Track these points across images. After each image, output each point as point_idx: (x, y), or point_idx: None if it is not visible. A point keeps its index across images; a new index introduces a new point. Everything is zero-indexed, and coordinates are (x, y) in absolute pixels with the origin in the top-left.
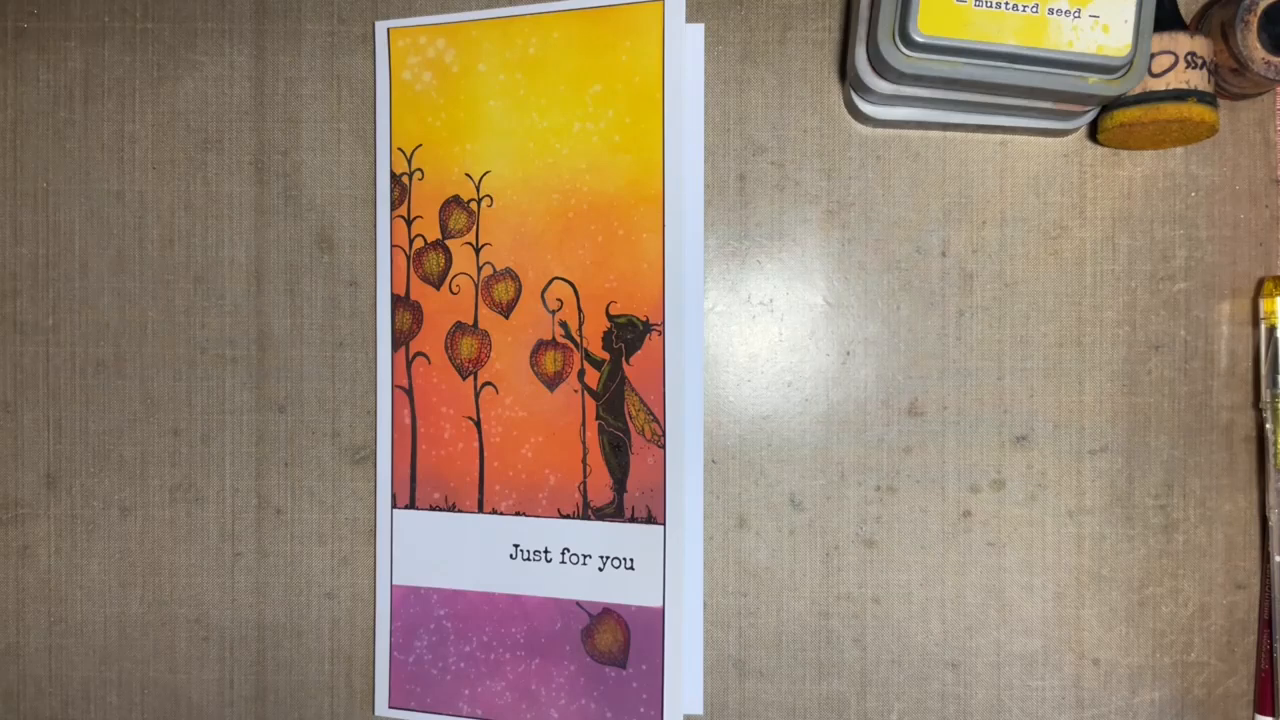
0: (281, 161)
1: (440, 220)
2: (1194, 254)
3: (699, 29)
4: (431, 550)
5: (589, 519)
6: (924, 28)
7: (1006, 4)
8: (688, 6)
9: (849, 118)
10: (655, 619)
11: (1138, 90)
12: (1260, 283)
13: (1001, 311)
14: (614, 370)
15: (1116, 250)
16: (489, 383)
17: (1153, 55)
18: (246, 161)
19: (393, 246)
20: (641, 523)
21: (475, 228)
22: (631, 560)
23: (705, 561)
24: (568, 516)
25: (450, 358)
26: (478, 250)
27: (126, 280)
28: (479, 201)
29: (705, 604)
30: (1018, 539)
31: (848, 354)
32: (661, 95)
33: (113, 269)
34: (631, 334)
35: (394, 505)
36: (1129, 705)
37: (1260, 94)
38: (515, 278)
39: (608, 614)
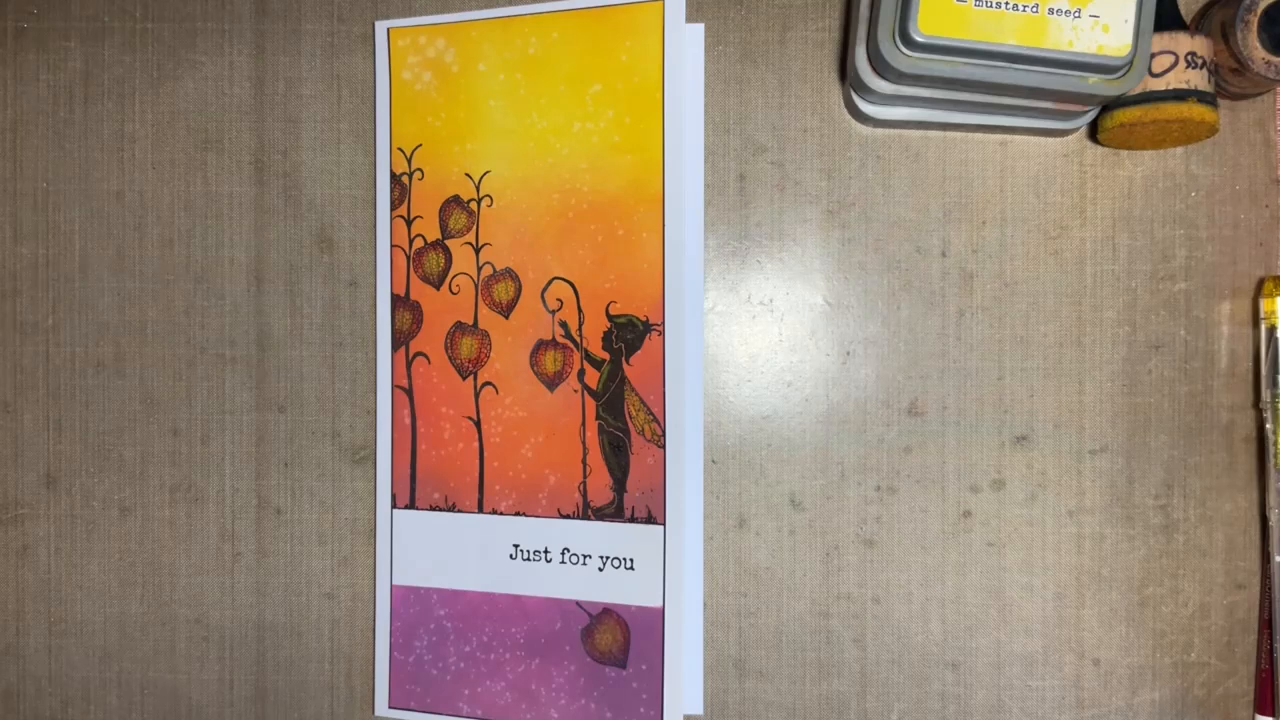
0: (281, 161)
1: (440, 220)
2: (1194, 254)
3: (699, 29)
4: (431, 550)
5: (589, 519)
6: (924, 28)
7: (1006, 4)
8: (688, 6)
9: (849, 118)
10: (655, 619)
11: (1138, 90)
12: (1260, 283)
13: (1001, 311)
14: (614, 370)
15: (1116, 250)
16: (489, 383)
17: (1153, 55)
18: (246, 161)
19: (393, 246)
20: (641, 523)
21: (475, 228)
22: (631, 560)
23: (705, 561)
24: (568, 516)
25: (450, 358)
26: (478, 250)
27: (126, 280)
28: (479, 201)
29: (705, 604)
30: (1018, 539)
31: (848, 354)
32: (661, 95)
33: (113, 269)
34: (631, 334)
35: (394, 505)
36: (1129, 705)
37: (1260, 94)
38: (515, 278)
39: (608, 614)
